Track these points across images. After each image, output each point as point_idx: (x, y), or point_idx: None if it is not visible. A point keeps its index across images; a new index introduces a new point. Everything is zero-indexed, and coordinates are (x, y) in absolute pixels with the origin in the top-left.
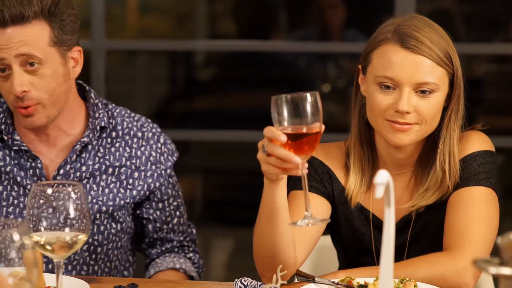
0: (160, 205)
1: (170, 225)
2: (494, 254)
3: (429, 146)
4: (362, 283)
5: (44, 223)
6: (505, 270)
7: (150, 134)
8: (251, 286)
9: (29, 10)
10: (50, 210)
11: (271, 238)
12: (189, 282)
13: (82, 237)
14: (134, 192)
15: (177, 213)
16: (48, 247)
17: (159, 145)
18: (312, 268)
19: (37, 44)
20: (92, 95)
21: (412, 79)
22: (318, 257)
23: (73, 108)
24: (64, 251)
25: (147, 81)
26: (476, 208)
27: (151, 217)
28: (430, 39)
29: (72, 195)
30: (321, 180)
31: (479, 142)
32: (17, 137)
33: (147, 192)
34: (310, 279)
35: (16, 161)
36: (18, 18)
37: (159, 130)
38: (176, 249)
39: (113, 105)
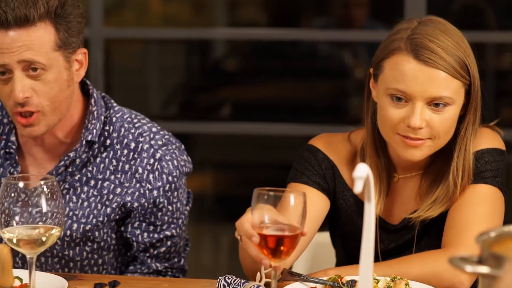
0: (146, 227)
1: (156, 252)
2: None
3: (443, 153)
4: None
5: (16, 218)
6: (482, 269)
7: (146, 146)
8: (235, 283)
9: (34, 12)
10: (22, 204)
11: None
12: (174, 279)
13: (55, 232)
14: (109, 209)
15: (169, 242)
16: (19, 242)
17: (151, 160)
18: (307, 265)
19: (41, 49)
20: (93, 101)
21: (426, 94)
22: (314, 254)
23: (72, 115)
24: (36, 247)
25: (169, 72)
26: (479, 206)
27: (134, 238)
28: (446, 50)
29: (45, 188)
30: (323, 175)
31: (488, 139)
32: (13, 138)
33: (123, 209)
34: (296, 276)
35: (2, 163)
36: (23, 20)
37: (160, 143)
38: (151, 275)
39: (117, 107)
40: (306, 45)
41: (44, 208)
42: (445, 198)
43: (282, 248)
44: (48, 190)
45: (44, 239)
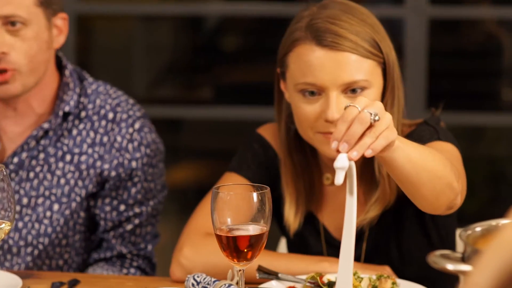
0: (117, 205)
1: (122, 230)
2: None
3: None
4: (333, 279)
5: None
6: (465, 267)
7: (124, 116)
8: (205, 282)
9: None
10: None
11: None
12: (138, 277)
13: (5, 226)
14: (90, 186)
15: (136, 220)
16: None
17: (130, 130)
18: None
19: (22, 3)
20: (68, 72)
21: (338, 81)
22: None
23: (49, 84)
24: None
25: (145, 50)
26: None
27: (102, 215)
28: (351, 30)
29: None
30: (269, 174)
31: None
32: None
33: (99, 179)
34: (272, 275)
35: None
36: None
37: (139, 114)
38: (113, 259)
39: (92, 80)
40: None
41: None
42: (385, 195)
43: (249, 249)
44: None
45: None
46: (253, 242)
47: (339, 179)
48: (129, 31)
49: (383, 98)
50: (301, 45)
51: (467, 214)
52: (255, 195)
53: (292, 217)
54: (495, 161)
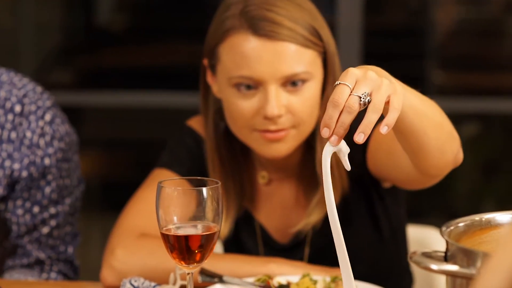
0: (30, 207)
1: (38, 235)
2: None
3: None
4: (284, 282)
5: None
6: (450, 267)
7: (33, 107)
8: (143, 287)
9: None
10: None
11: None
12: (60, 283)
13: None
14: (1, 189)
15: (52, 222)
16: None
17: (41, 123)
18: None
19: None
20: None
21: (277, 74)
22: None
23: None
24: None
25: (34, 30)
26: None
27: (14, 219)
28: (289, 17)
29: None
30: (201, 171)
31: None
32: None
33: (9, 180)
34: (216, 278)
35: None
36: None
37: (48, 104)
38: (31, 265)
39: None
40: None
41: None
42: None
43: (200, 250)
44: None
45: None
46: (204, 242)
47: (348, 164)
48: (16, 9)
49: (323, 91)
50: (235, 35)
51: None
52: (205, 190)
53: (223, 218)
54: None
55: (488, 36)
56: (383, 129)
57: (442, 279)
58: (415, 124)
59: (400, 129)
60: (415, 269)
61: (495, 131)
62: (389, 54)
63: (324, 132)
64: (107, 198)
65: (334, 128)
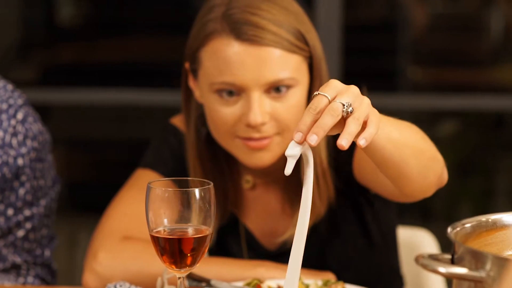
0: (4, 210)
1: (13, 238)
2: None
3: None
4: (274, 286)
5: None
6: (459, 270)
7: (4, 106)
8: None
9: None
10: None
11: None
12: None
13: None
14: None
15: (28, 225)
16: None
17: (13, 122)
18: None
19: None
20: None
21: (260, 80)
22: None
23: None
24: None
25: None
26: None
27: None
28: (273, 20)
29: None
30: (184, 170)
31: None
32: None
33: None
34: (203, 282)
35: None
36: None
37: (20, 102)
38: (7, 270)
39: None
40: None
41: None
42: (315, 205)
43: (192, 253)
44: None
45: None
46: (196, 245)
47: (288, 168)
48: None
49: (309, 97)
50: (217, 39)
51: None
52: (197, 191)
53: None
54: None
55: (465, 31)
56: (361, 141)
57: (433, 282)
58: (395, 156)
59: (379, 162)
60: (406, 272)
61: (472, 128)
62: (366, 49)
63: (297, 136)
64: (71, 198)
65: (310, 129)
